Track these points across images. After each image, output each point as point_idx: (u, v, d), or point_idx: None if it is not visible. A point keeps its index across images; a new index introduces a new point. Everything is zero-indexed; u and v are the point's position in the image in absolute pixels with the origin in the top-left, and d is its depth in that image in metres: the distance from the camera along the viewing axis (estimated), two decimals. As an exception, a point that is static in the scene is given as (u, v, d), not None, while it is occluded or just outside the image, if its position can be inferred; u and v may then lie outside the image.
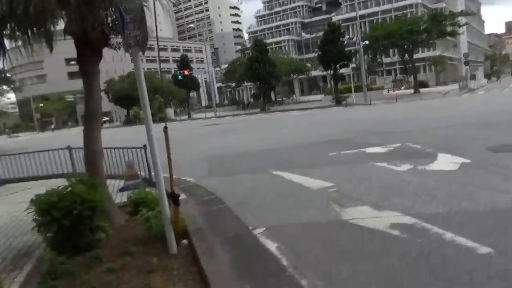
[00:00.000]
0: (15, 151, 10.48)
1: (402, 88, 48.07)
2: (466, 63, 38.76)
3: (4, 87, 43.80)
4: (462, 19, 39.11)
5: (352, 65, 38.99)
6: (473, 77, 48.54)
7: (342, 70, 38.66)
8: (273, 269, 3.44)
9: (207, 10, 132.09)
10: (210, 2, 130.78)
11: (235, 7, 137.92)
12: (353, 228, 4.21)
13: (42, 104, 66.76)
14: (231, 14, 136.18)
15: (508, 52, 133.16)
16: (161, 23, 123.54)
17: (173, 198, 3.93)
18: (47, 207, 3.90)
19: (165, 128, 3.92)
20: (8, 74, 47.65)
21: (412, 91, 39.61)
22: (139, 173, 7.16)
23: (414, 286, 2.90)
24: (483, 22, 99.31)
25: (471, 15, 44.80)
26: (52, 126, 62.39)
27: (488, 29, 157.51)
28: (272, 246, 3.96)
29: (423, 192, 5.13)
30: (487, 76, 63.10)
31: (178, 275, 3.49)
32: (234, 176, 7.73)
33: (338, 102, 35.03)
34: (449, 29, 38.53)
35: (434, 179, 5.73)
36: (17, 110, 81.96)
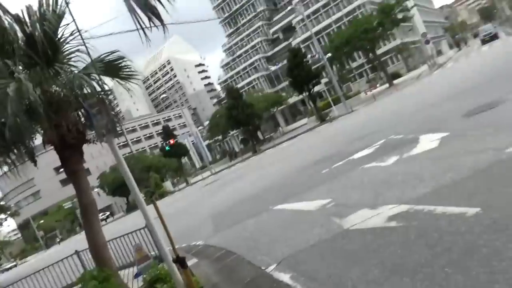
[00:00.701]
0: (24, 275, 10.46)
1: (378, 85, 49.10)
2: (427, 42, 40.06)
3: (1, 216, 43.95)
4: (407, 3, 40.81)
5: (325, 80, 40.11)
6: (439, 53, 49.94)
7: (317, 88, 39.63)
8: (289, 298, 3.55)
9: (175, 76, 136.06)
10: (175, 67, 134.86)
11: (200, 64, 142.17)
12: (356, 233, 4.35)
13: (42, 221, 66.23)
14: (199, 72, 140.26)
15: (463, 18, 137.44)
16: (135, 103, 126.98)
17: (180, 262, 4.08)
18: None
19: (153, 197, 4.14)
20: (2, 203, 47.82)
21: (387, 85, 40.51)
22: (149, 253, 7.25)
23: (418, 265, 3.04)
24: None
25: (415, -3, 46.90)
26: (58, 239, 60.73)
27: (437, 3, 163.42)
28: (285, 277, 4.07)
29: (411, 177, 5.32)
30: (457, 45, 64.70)
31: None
32: (239, 224, 7.86)
33: (322, 119, 35.61)
34: (400, 16, 40.08)
35: (419, 161, 5.94)
36: (19, 235, 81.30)
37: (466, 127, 6.64)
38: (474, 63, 21.36)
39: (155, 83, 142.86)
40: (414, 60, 61.25)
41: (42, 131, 5.59)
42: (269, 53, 78.54)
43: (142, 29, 3.38)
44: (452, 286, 2.53)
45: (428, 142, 6.91)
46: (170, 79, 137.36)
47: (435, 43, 63.02)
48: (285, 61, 48.68)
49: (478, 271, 2.56)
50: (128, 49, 6.66)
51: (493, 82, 10.28)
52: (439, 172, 4.97)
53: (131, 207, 49.29)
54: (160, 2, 3.55)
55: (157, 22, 3.63)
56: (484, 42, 40.13)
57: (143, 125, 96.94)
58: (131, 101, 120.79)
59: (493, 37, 38.97)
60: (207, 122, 68.69)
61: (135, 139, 56.76)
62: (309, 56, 41.42)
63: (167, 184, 48.41)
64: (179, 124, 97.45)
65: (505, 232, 2.93)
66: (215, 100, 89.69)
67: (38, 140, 5.90)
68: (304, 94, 39.34)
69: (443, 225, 3.49)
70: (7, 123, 4.27)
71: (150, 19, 3.56)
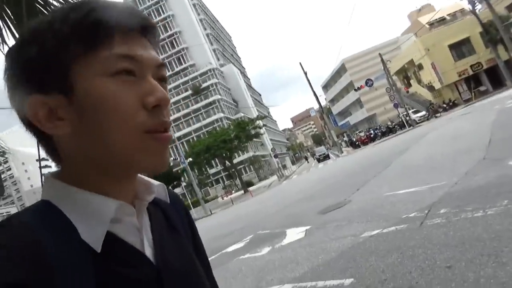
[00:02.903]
0: None
1: (233, 192, 52.10)
2: (275, 156, 45.65)
3: None
4: (259, 122, 46.92)
5: (183, 183, 40.78)
6: (284, 167, 57.04)
7: (176, 190, 39.74)
8: None
9: (9, 169, 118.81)
10: (13, 161, 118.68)
11: (43, 159, 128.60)
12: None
13: None
14: (39, 167, 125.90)
15: (301, 141, 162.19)
16: None
17: None
18: None
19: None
20: None
21: (242, 192, 43.45)
22: None
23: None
24: (275, 121, 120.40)
25: (264, 118, 54.30)
26: None
27: (281, 126, 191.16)
28: None
29: (287, 262, 5.86)
30: (296, 161, 74.88)
31: None
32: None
33: (181, 221, 35.19)
34: (253, 132, 45.50)
35: (291, 249, 6.59)
36: None
37: (324, 221, 7.76)
38: (314, 176, 25.11)
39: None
40: (264, 171, 68.20)
41: None
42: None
43: None
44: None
45: (294, 234, 7.75)
46: (3, 172, 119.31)
47: (281, 158, 72.01)
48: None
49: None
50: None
51: (335, 189, 12.36)
52: (311, 256, 5.66)
53: None
54: None
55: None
56: (319, 160, 47.81)
57: None
58: None
59: (326, 157, 46.95)
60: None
61: None
62: (171, 158, 42.18)
63: None
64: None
65: (377, 293, 3.57)
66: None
67: None
68: (163, 196, 38.77)
69: (326, 295, 3.99)
70: None
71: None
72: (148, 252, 0.60)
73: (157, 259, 0.60)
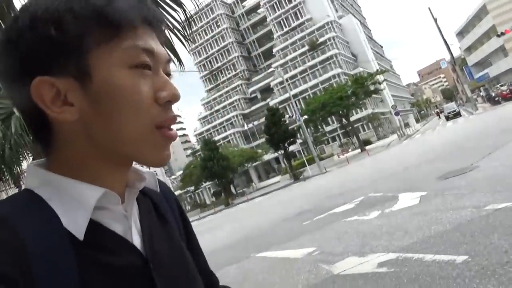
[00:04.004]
0: None
1: (350, 150, 50.91)
2: (397, 113, 42.57)
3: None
4: (380, 77, 43.90)
5: (299, 140, 41.35)
6: (407, 125, 53.07)
7: (291, 148, 40.66)
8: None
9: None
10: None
11: (177, 115, 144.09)
12: (346, 278, 4.44)
13: None
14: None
15: (427, 96, 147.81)
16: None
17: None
18: None
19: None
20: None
21: (359, 150, 42.14)
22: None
23: (414, 307, 3.17)
24: (398, 75, 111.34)
25: (385, 72, 50.45)
26: None
27: (405, 80, 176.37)
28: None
29: (396, 229, 5.55)
30: (422, 118, 68.91)
31: None
32: (218, 271, 7.69)
33: (296, 178, 36.13)
34: (372, 87, 42.90)
35: (401, 216, 6.21)
36: None
37: (443, 188, 7.06)
38: (440, 136, 22.80)
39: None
40: (384, 130, 64.54)
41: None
42: (246, 111, 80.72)
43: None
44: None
45: (408, 199, 7.26)
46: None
47: (403, 116, 67.04)
48: (261, 120, 50.05)
49: (476, 307, 2.73)
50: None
51: (462, 152, 11.03)
52: (422, 225, 5.24)
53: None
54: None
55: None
56: (448, 118, 43.07)
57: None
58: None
59: (457, 114, 41.98)
60: (179, 172, 67.93)
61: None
62: (287, 116, 42.98)
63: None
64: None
65: (494, 276, 3.14)
66: (189, 151, 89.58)
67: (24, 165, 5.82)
68: (279, 152, 40.17)
69: (434, 270, 3.67)
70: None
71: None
72: (136, 241, 0.59)
73: (145, 247, 0.59)
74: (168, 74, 0.59)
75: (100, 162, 0.56)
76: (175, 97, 0.56)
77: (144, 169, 0.65)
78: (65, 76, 0.52)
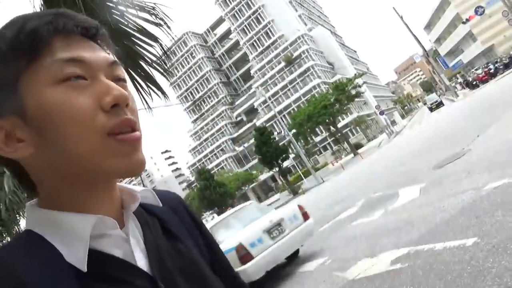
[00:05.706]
0: None
1: (343, 156, 51.14)
2: (381, 113, 43.03)
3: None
4: (359, 80, 44.64)
5: (292, 155, 41.45)
6: (393, 122, 53.64)
7: (285, 163, 40.68)
8: None
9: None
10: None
11: (166, 151, 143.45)
12: (362, 282, 4.41)
13: None
14: (165, 158, 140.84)
15: (408, 91, 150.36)
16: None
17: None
18: None
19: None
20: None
21: (352, 155, 42.37)
22: None
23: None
24: (376, 76, 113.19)
25: (363, 74, 51.35)
26: None
27: (384, 80, 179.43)
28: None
29: (402, 224, 5.56)
30: (407, 114, 69.76)
31: None
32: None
33: (295, 192, 35.99)
34: (353, 92, 43.56)
35: (405, 211, 6.23)
36: None
37: (439, 176, 7.12)
38: (427, 127, 23.11)
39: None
40: (372, 131, 65.21)
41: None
42: (235, 135, 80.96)
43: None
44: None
45: (408, 193, 7.30)
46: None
47: (388, 114, 67.87)
48: (251, 141, 50.17)
49: None
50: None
51: (452, 138, 11.18)
52: (427, 216, 5.26)
53: None
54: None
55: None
56: (431, 109, 43.60)
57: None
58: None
59: (439, 104, 42.54)
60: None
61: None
62: (275, 133, 43.17)
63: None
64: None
65: (507, 252, 3.16)
66: (184, 185, 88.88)
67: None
68: (274, 170, 40.13)
69: (447, 257, 3.68)
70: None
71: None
72: (142, 262, 0.58)
73: (152, 268, 0.58)
74: (119, 78, 0.56)
75: (72, 187, 0.54)
76: (120, 98, 0.53)
77: (139, 187, 0.64)
78: (8, 115, 0.52)
